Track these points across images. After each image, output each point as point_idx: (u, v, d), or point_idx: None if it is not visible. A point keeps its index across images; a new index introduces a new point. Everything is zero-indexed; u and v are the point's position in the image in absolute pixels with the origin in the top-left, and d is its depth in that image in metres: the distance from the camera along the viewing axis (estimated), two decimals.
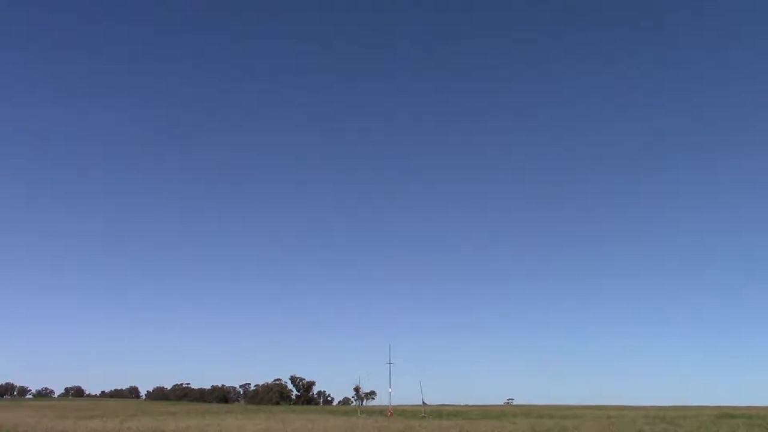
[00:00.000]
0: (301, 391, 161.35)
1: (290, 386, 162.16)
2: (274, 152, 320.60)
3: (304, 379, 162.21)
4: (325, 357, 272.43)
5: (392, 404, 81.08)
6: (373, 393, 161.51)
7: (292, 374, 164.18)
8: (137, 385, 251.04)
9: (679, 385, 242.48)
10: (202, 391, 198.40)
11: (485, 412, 79.35)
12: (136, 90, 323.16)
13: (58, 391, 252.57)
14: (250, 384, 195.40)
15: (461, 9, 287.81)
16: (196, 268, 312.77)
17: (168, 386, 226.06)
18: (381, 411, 79.28)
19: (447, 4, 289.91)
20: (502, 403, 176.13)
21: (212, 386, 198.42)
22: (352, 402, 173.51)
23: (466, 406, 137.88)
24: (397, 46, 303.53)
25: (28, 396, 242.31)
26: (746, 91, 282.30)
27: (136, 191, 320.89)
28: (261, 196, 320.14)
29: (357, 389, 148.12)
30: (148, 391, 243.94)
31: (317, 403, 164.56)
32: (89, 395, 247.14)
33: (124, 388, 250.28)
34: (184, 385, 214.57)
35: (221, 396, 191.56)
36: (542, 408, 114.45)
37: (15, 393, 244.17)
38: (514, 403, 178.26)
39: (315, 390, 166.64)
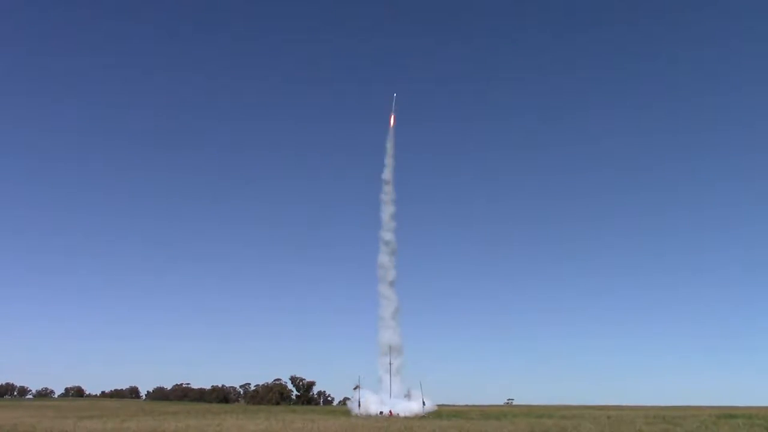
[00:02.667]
0: (301, 391, 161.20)
1: (290, 386, 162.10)
2: (274, 152, 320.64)
3: (304, 379, 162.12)
4: (325, 357, 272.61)
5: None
6: None
7: (292, 374, 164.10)
8: (137, 385, 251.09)
9: (679, 385, 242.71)
10: (202, 391, 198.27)
11: (485, 412, 79.36)
12: (136, 90, 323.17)
13: (58, 391, 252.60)
14: (250, 384, 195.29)
15: (459, 8, 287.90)
16: (196, 267, 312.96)
17: (168, 386, 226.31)
18: (381, 411, 79.15)
19: (446, 4, 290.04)
20: (502, 403, 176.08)
21: (212, 386, 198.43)
22: (350, 401, 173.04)
23: (466, 406, 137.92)
24: (397, 46, 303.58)
25: (28, 396, 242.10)
26: (747, 91, 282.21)
27: (136, 191, 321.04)
28: (261, 195, 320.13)
29: (357, 389, 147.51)
30: (148, 391, 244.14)
31: (317, 403, 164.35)
32: (89, 395, 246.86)
33: (124, 388, 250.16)
34: (184, 385, 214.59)
35: (221, 396, 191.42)
36: (542, 408, 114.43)
37: (15, 393, 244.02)
38: (514, 403, 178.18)
39: (315, 390, 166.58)
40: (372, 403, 77.79)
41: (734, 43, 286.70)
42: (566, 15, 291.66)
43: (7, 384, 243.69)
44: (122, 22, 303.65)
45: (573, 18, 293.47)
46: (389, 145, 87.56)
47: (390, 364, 78.64)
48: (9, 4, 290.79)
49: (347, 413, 75.86)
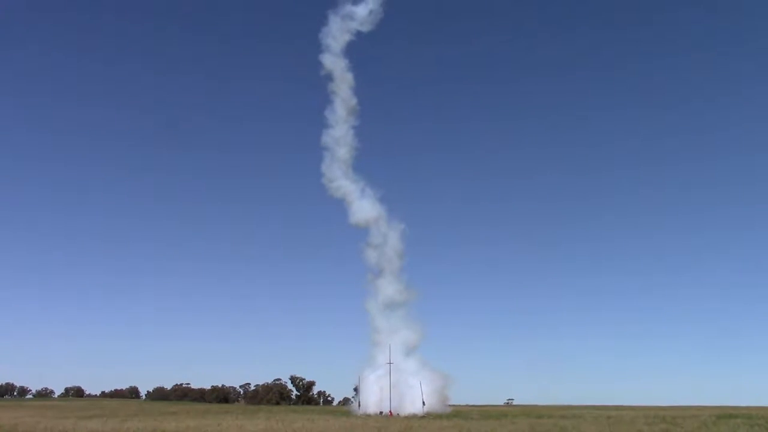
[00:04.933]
0: (301, 391, 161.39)
1: (290, 386, 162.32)
2: (274, 152, 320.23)
3: (304, 379, 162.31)
4: (325, 357, 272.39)
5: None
6: None
7: (292, 374, 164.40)
8: (137, 385, 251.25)
9: (679, 385, 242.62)
10: (202, 391, 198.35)
11: (485, 412, 79.35)
12: (136, 90, 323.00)
13: (58, 391, 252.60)
14: (250, 384, 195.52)
15: (458, 8, 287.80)
16: (196, 267, 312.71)
17: (168, 386, 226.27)
18: (381, 411, 79.23)
19: (444, 3, 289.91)
20: (502, 403, 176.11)
21: (212, 386, 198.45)
22: (352, 402, 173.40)
23: (466, 406, 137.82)
24: (395, 45, 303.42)
25: (28, 396, 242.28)
26: (746, 91, 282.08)
27: (136, 191, 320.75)
28: (261, 195, 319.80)
29: (357, 389, 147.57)
30: (148, 391, 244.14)
31: (317, 403, 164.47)
32: (89, 395, 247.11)
33: (124, 388, 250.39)
34: (184, 385, 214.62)
35: (221, 396, 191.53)
36: (542, 408, 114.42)
37: (15, 393, 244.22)
38: (514, 403, 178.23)
39: (315, 390, 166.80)
40: (372, 403, 77.91)
41: (736, 44, 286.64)
42: (566, 14, 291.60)
43: (7, 384, 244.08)
44: (121, 22, 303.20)
45: (574, 18, 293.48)
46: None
47: (390, 363, 78.67)
48: (9, 4, 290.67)
49: (347, 413, 75.91)
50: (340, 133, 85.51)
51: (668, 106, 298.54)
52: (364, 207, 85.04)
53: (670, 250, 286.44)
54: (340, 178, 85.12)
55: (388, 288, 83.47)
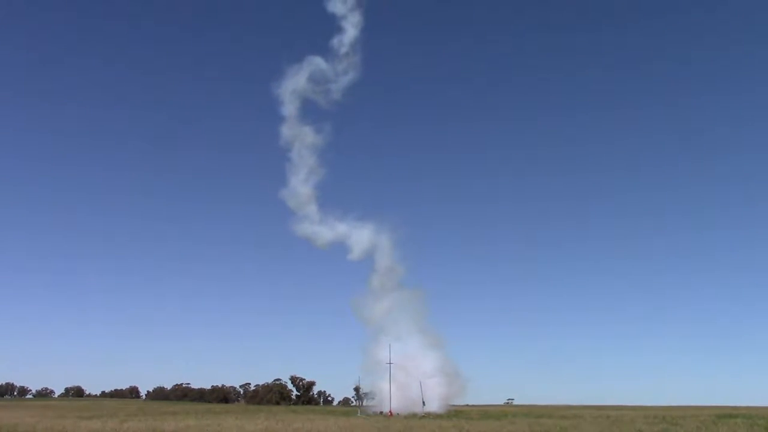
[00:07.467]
0: (301, 391, 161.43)
1: (290, 386, 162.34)
2: (273, 151, 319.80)
3: (304, 379, 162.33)
4: (325, 357, 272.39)
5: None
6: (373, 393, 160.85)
7: (292, 374, 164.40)
8: (137, 385, 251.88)
9: (679, 385, 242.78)
10: (202, 391, 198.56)
11: (485, 412, 79.38)
12: (135, 90, 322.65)
13: (58, 391, 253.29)
14: (250, 384, 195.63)
15: (458, 7, 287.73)
16: (196, 267, 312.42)
17: (168, 386, 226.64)
18: (381, 411, 79.28)
19: (444, 3, 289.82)
20: (502, 403, 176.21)
21: (212, 386, 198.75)
22: (352, 402, 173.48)
23: (466, 406, 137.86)
24: (393, 44, 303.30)
25: (28, 396, 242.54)
26: (746, 91, 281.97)
27: (136, 191, 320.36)
28: (260, 195, 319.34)
29: (357, 389, 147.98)
30: (148, 391, 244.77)
31: (317, 403, 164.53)
32: (89, 395, 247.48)
33: (124, 388, 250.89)
34: (184, 385, 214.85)
35: (221, 396, 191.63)
36: (542, 408, 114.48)
37: (15, 393, 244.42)
38: (514, 403, 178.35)
39: (315, 390, 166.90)
40: (373, 403, 78.00)
41: (736, 43, 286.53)
42: (566, 15, 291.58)
43: (7, 384, 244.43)
44: (121, 22, 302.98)
45: (574, 18, 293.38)
46: None
47: (390, 363, 78.74)
48: (9, 4, 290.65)
49: (347, 413, 75.95)
50: (302, 191, 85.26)
51: (668, 106, 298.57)
52: (354, 243, 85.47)
53: (670, 249, 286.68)
54: (314, 227, 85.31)
55: (391, 297, 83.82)
